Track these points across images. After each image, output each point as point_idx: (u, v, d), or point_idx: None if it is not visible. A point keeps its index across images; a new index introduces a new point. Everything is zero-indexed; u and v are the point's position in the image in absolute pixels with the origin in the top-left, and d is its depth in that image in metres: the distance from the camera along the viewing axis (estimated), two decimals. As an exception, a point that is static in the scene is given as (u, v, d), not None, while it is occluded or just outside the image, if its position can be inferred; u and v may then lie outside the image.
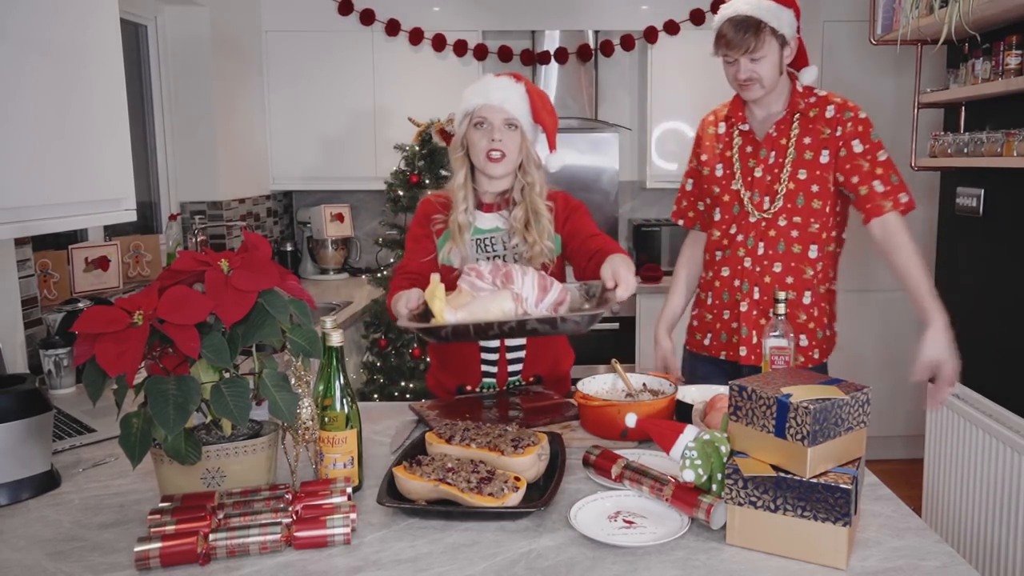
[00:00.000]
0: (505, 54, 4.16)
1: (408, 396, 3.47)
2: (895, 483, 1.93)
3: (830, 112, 1.99)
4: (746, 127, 2.08)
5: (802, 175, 1.99)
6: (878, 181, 1.94)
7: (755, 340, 2.05)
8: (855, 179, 1.96)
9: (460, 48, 4.06)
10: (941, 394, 1.90)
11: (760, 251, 2.03)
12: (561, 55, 4.15)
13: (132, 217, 1.97)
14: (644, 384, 1.81)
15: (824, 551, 1.13)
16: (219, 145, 3.57)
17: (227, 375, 1.28)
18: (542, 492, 1.33)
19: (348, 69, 4.06)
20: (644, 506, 1.31)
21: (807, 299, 2.03)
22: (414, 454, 1.43)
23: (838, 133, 1.97)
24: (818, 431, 1.12)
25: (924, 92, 3.07)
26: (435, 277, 1.63)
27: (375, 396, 3.51)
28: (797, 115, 2.01)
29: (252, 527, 1.17)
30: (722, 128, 2.14)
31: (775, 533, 1.16)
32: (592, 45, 4.16)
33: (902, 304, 4.02)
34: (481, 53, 4.08)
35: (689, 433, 1.29)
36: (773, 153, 2.02)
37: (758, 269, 2.03)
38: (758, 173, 2.04)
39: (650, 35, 4.05)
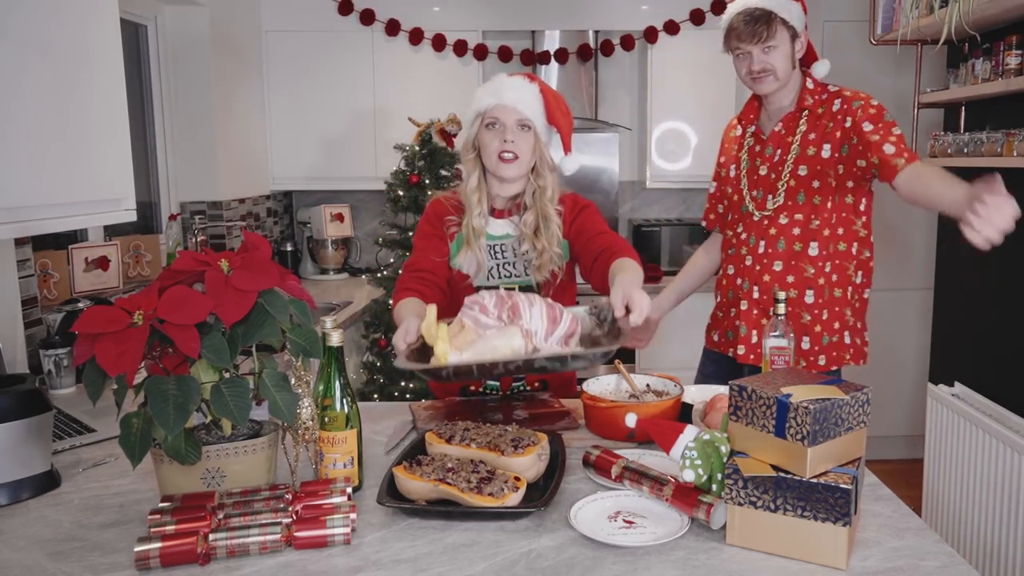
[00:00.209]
0: (505, 54, 4.16)
1: (408, 396, 3.46)
2: (895, 483, 1.93)
3: (836, 106, 1.97)
4: (752, 128, 2.09)
5: (803, 171, 1.98)
6: (888, 144, 1.86)
7: (754, 339, 2.04)
8: (871, 154, 1.87)
9: (460, 48, 4.06)
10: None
11: (761, 249, 2.03)
12: (561, 55, 4.14)
13: (132, 217, 1.97)
14: (648, 385, 1.80)
15: (824, 551, 1.13)
16: (219, 145, 3.57)
17: (227, 375, 1.28)
18: (542, 492, 1.33)
19: (348, 69, 4.06)
20: (644, 506, 1.31)
21: (809, 298, 2.01)
22: (414, 454, 1.43)
23: (847, 124, 1.93)
24: (818, 431, 1.12)
25: (924, 92, 3.07)
26: (431, 311, 1.52)
27: (375, 396, 3.51)
28: (805, 111, 2.00)
29: (252, 527, 1.17)
30: (739, 131, 2.15)
31: (775, 533, 1.16)
32: (592, 45, 4.16)
33: (902, 304, 4.05)
34: (481, 53, 4.08)
35: (689, 433, 1.29)
36: (779, 151, 2.02)
37: (758, 267, 2.03)
38: (763, 171, 2.04)
39: (650, 35, 4.05)
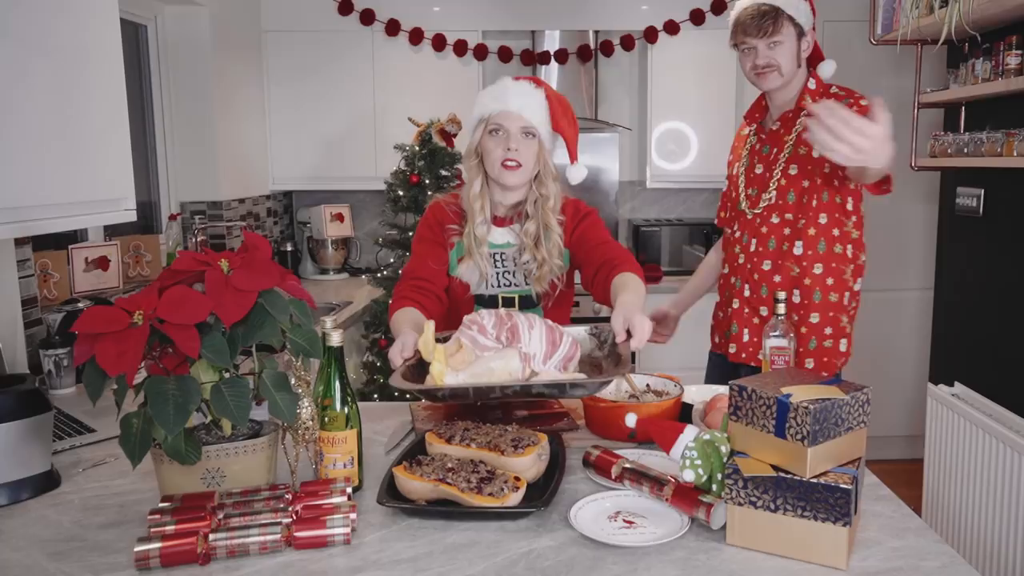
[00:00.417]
0: (505, 54, 4.16)
1: (408, 396, 3.46)
2: (895, 483, 1.92)
3: None
4: (755, 127, 2.09)
5: (793, 170, 1.98)
6: None
7: (746, 338, 2.04)
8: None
9: (460, 48, 4.06)
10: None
11: (752, 247, 2.03)
12: (561, 55, 4.14)
13: (132, 217, 1.97)
14: (648, 385, 1.80)
15: (824, 551, 1.13)
16: (219, 145, 3.57)
17: (227, 375, 1.28)
18: (542, 492, 1.32)
19: (348, 69, 4.06)
20: (644, 506, 1.31)
21: (796, 298, 2.00)
22: (414, 454, 1.43)
23: None
24: (818, 431, 1.12)
25: (924, 92, 3.07)
26: (429, 327, 1.50)
27: (375, 396, 3.51)
28: (804, 112, 2.00)
29: (252, 527, 1.17)
30: (746, 130, 2.16)
31: (775, 533, 1.16)
32: (592, 45, 4.16)
33: (902, 304, 4.05)
34: (481, 53, 4.08)
35: (689, 433, 1.29)
36: (775, 150, 2.02)
37: (749, 266, 2.04)
38: (759, 169, 2.04)
39: (650, 35, 4.05)
